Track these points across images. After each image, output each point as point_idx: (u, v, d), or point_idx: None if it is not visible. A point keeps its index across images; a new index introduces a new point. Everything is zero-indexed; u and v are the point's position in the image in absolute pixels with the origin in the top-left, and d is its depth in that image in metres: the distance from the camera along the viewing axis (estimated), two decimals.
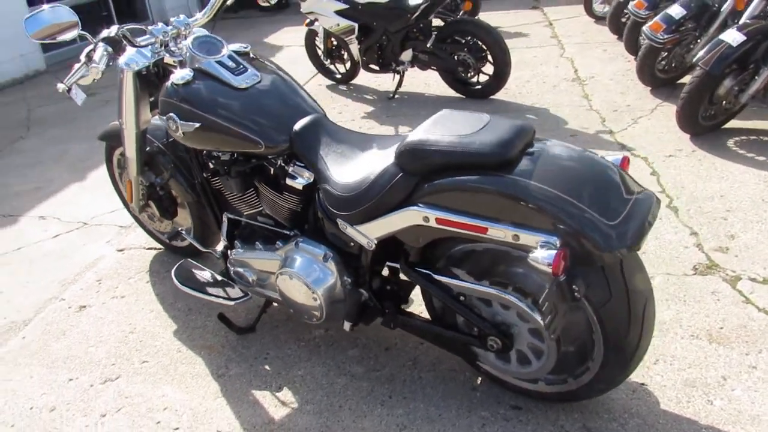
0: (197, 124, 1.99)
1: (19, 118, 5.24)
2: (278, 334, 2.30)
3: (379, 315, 1.98)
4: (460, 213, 1.60)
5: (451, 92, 4.75)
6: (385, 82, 5.14)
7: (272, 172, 2.10)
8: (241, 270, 2.20)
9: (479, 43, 4.38)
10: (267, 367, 2.15)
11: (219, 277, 2.26)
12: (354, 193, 1.78)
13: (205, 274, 2.28)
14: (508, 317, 1.74)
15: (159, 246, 2.91)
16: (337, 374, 2.09)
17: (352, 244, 1.90)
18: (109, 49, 2.08)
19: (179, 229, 2.64)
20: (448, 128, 1.68)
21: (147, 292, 2.63)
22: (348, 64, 5.17)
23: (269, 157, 2.06)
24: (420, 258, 1.84)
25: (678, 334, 2.12)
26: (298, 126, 1.97)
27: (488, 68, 4.48)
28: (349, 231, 1.85)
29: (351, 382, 2.05)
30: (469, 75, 4.57)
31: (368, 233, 1.81)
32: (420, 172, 1.66)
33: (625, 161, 1.68)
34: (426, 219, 1.66)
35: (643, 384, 1.93)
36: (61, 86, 2.06)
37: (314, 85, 5.39)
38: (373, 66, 4.85)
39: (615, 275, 1.56)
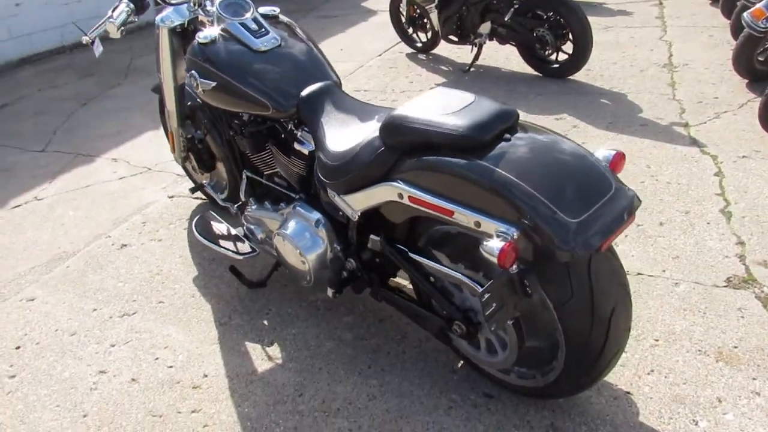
0: (214, 83, 2.08)
1: (120, 66, 5.65)
2: (285, 292, 2.38)
3: (367, 286, 2.01)
4: (430, 193, 1.58)
5: (528, 69, 4.57)
6: (465, 54, 5.03)
7: (283, 135, 2.16)
8: (252, 227, 2.30)
9: (561, 20, 4.17)
10: (265, 322, 2.25)
11: (233, 232, 2.37)
12: (340, 163, 1.80)
13: (221, 227, 2.40)
14: (475, 304, 1.71)
15: (204, 196, 3.08)
16: (326, 337, 2.15)
17: (340, 213, 1.92)
18: (131, 6, 2.21)
19: (203, 181, 2.78)
20: (432, 106, 1.64)
21: (182, 238, 2.81)
22: (429, 34, 5.11)
23: (281, 120, 2.12)
24: (405, 234, 1.84)
25: (684, 347, 1.98)
26: (305, 92, 2.01)
27: (568, 47, 4.27)
28: (337, 200, 1.88)
29: (337, 347, 2.10)
30: (547, 52, 4.38)
31: (352, 204, 1.83)
32: (400, 148, 1.65)
33: (618, 158, 1.57)
34: (400, 196, 1.65)
35: (628, 392, 1.84)
36: (84, 38, 2.21)
37: (395, 52, 5.38)
38: (452, 37, 4.76)
39: (579, 274, 1.49)
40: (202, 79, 2.10)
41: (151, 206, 3.12)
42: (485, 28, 4.51)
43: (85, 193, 3.35)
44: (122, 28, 2.21)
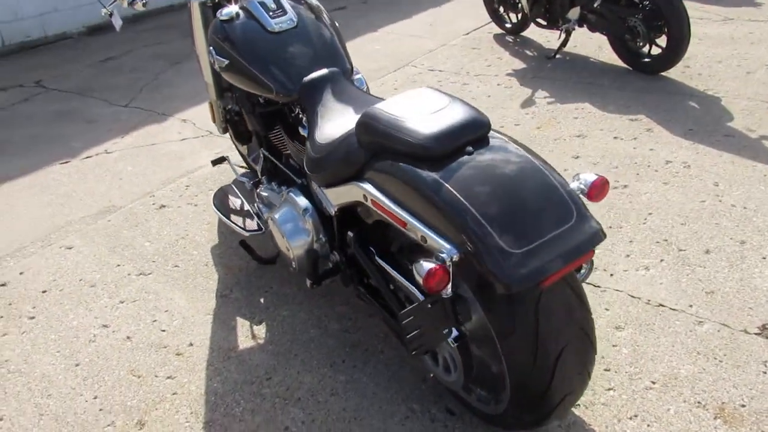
0: (227, 61, 2.10)
1: None
2: (291, 273, 2.41)
3: (350, 281, 1.98)
4: (391, 199, 1.51)
5: (618, 62, 4.23)
6: (555, 39, 4.74)
7: (291, 119, 2.15)
8: (261, 206, 2.34)
9: (656, 10, 3.80)
10: (262, 300, 2.29)
11: (246, 208, 2.42)
12: (321, 156, 1.77)
13: (236, 202, 2.46)
14: None
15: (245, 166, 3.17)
16: (313, 324, 2.16)
17: (323, 205, 1.90)
18: None
19: (225, 155, 2.84)
20: (406, 107, 1.56)
21: None
22: (519, 15, 4.86)
23: (287, 104, 2.11)
24: (378, 237, 1.79)
25: (682, 395, 1.79)
26: (308, 78, 1.98)
27: (664, 40, 3.89)
28: (318, 192, 1.86)
29: (320, 336, 2.10)
30: (639, 45, 4.02)
31: (330, 199, 1.80)
32: (371, 148, 1.59)
33: (599, 184, 1.42)
34: (365, 198, 1.60)
35: None
36: (103, 11, 2.30)
37: (482, 32, 5.18)
38: (540, 20, 4.50)
39: (525, 307, 1.37)
40: (217, 56, 2.13)
41: (198, 170, 3.25)
42: (574, 13, 4.20)
43: (148, 150, 3.55)
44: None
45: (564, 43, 4.43)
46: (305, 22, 2.12)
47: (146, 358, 2.06)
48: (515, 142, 1.49)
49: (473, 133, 1.45)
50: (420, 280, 1.30)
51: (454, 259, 1.32)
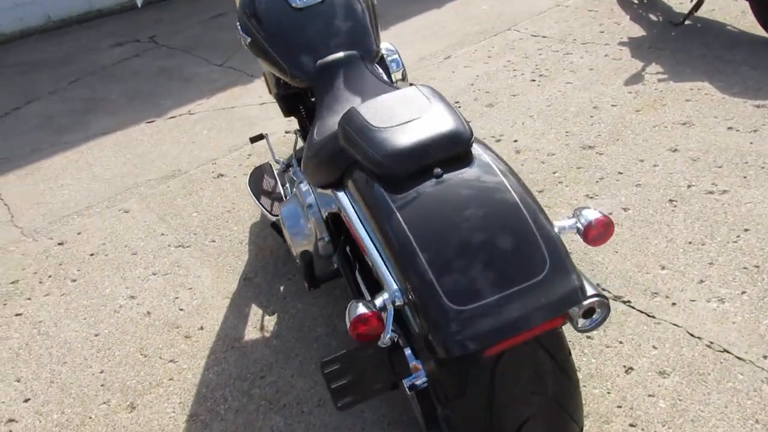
0: (249, 38, 1.98)
1: None
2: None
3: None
4: (358, 218, 1.33)
5: (761, 32, 3.55)
6: (689, 2, 4.08)
7: (309, 104, 2.00)
8: (286, 189, 2.24)
9: None
10: (282, 288, 2.22)
11: (279, 190, 2.33)
12: (310, 153, 1.61)
13: (270, 183, 2.38)
14: None
15: None
16: (323, 323, 2.05)
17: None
18: None
19: (264, 132, 2.74)
20: (386, 110, 1.35)
21: None
22: None
23: (306, 89, 1.96)
24: None
25: None
26: (322, 61, 1.81)
27: None
28: (314, 192, 1.71)
29: (326, 336, 2.00)
30: None
31: (319, 201, 1.65)
32: (349, 155, 1.41)
33: (601, 225, 1.14)
34: (339, 210, 1.43)
35: None
36: None
37: None
38: None
39: (478, 370, 1.14)
40: (242, 33, 2.02)
41: (263, 140, 3.21)
42: None
43: (227, 113, 3.57)
44: None
45: (697, 6, 3.79)
46: None
47: (157, 337, 2.08)
48: (498, 163, 1.23)
49: (444, 151, 1.21)
50: (346, 325, 1.13)
51: (396, 304, 1.13)
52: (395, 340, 1.19)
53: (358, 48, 1.85)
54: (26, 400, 1.90)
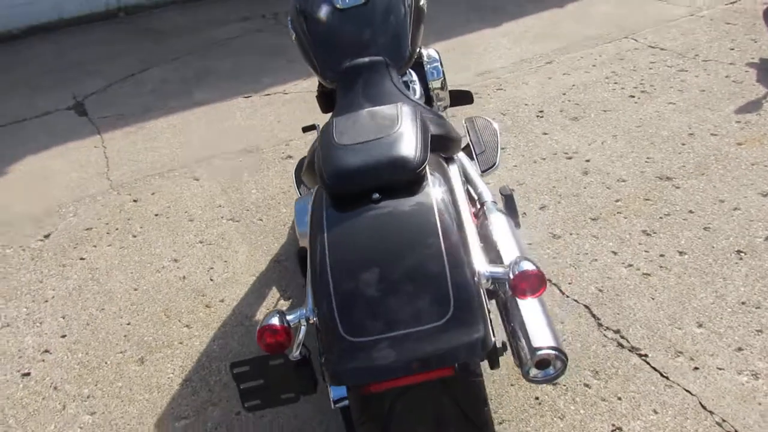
0: (294, 33, 2.03)
1: None
2: None
3: None
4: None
5: None
6: None
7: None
8: None
9: None
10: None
11: None
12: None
13: None
14: None
15: None
16: None
17: None
18: None
19: (316, 123, 2.76)
20: (358, 125, 1.34)
21: None
22: None
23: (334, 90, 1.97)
24: None
25: None
26: (347, 64, 1.82)
27: None
28: None
29: None
30: None
31: None
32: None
33: (531, 277, 1.07)
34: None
35: None
36: None
37: (758, 3, 4.11)
38: None
39: (378, 402, 1.12)
40: (290, 27, 2.07)
41: None
42: None
43: (282, 97, 3.69)
44: None
45: None
46: (376, 0, 1.92)
47: (183, 301, 2.24)
48: (445, 197, 1.18)
49: (387, 177, 1.19)
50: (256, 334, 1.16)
51: (310, 321, 1.14)
52: (306, 355, 1.20)
53: (387, 54, 1.83)
54: (63, 336, 2.15)
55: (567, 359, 1.27)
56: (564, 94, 3.35)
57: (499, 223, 1.60)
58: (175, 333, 2.11)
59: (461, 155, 1.98)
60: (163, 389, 1.91)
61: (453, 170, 1.45)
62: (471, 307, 1.04)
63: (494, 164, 2.21)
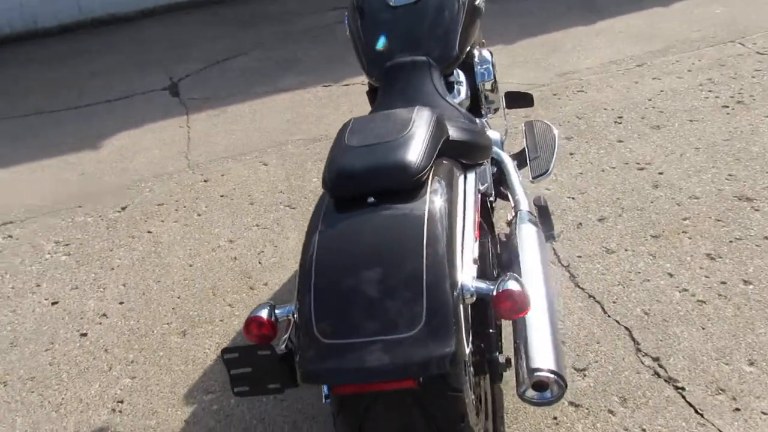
0: (348, 30, 2.05)
1: None
2: None
3: None
4: None
5: None
6: None
7: None
8: None
9: None
10: None
11: None
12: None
13: None
14: None
15: None
16: None
17: None
18: None
19: None
20: (372, 126, 1.33)
21: None
22: None
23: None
24: None
25: None
26: (390, 62, 1.81)
27: None
28: None
29: None
30: None
31: None
32: None
33: (513, 297, 1.03)
34: None
35: None
36: None
37: None
38: None
39: (351, 409, 1.12)
40: (346, 23, 2.09)
41: None
42: None
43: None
44: None
45: None
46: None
47: (230, 281, 2.34)
48: (440, 206, 1.15)
49: (383, 182, 1.17)
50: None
51: (295, 316, 1.16)
52: (292, 349, 1.22)
53: (432, 53, 1.80)
54: (120, 303, 2.31)
55: (566, 385, 1.22)
56: (649, 99, 3.15)
57: (526, 235, 1.55)
58: (218, 310, 2.21)
59: (507, 159, 1.92)
60: (198, 363, 2.02)
61: (469, 178, 1.41)
62: (444, 321, 1.02)
63: (546, 171, 2.13)
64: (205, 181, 3.02)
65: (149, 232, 2.70)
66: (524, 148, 2.26)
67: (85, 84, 4.38)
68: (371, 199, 1.17)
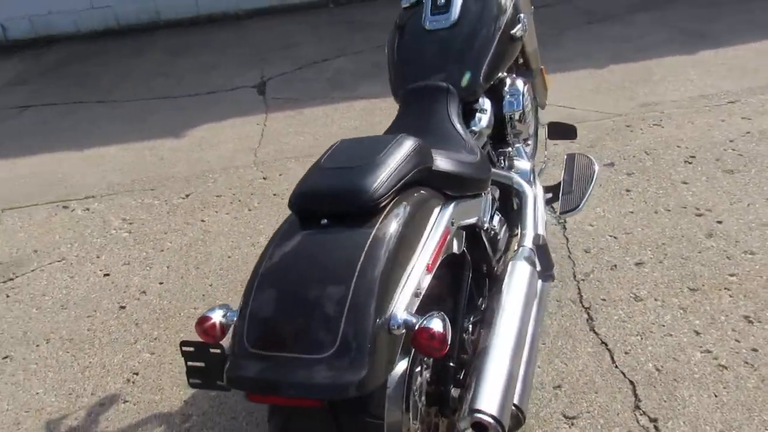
0: (387, 50, 2.09)
1: None
2: None
3: None
4: None
5: None
6: None
7: None
8: None
9: None
10: None
11: None
12: None
13: None
14: None
15: None
16: None
17: None
18: None
19: None
20: (350, 150, 1.36)
21: None
22: None
23: None
24: None
25: None
26: (411, 86, 1.83)
27: None
28: None
29: None
30: None
31: None
32: None
33: (432, 335, 1.04)
34: None
35: None
36: None
37: None
38: None
39: (278, 413, 1.16)
40: (387, 41, 2.13)
41: None
42: None
43: None
44: None
45: None
46: (464, 24, 1.88)
47: None
48: (385, 235, 1.16)
49: (336, 204, 1.20)
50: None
51: (232, 320, 1.22)
52: None
53: (454, 80, 1.79)
54: (161, 283, 2.50)
55: (503, 429, 1.20)
56: (731, 141, 2.92)
57: (516, 272, 1.52)
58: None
59: (528, 192, 1.87)
60: None
61: (447, 210, 1.40)
62: (358, 347, 1.03)
63: (575, 208, 2.07)
64: (264, 178, 3.18)
65: (202, 220, 2.88)
66: (560, 181, 2.19)
67: (183, 76, 4.72)
68: (324, 221, 1.20)
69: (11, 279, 2.62)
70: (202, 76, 4.67)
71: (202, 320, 1.23)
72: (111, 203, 3.12)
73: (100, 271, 2.61)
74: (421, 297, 1.20)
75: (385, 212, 1.21)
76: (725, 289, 2.08)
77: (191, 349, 1.29)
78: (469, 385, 1.29)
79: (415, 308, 1.16)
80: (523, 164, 2.04)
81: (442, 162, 1.44)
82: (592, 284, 2.18)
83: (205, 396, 1.94)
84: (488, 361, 1.31)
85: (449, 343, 1.07)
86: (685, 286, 2.12)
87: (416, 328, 1.07)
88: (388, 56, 2.00)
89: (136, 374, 2.07)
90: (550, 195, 2.17)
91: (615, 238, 2.40)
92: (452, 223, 1.39)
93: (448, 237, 1.36)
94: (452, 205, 1.43)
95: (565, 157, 2.28)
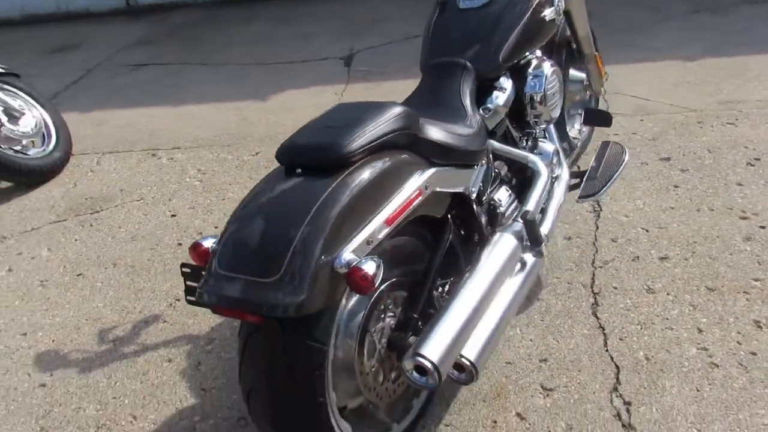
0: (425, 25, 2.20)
1: None
2: None
3: None
4: None
5: None
6: None
7: None
8: None
9: None
10: None
11: None
12: None
13: None
14: None
15: None
16: None
17: None
18: None
19: None
20: (343, 112, 1.51)
21: None
22: None
23: None
24: None
25: None
26: (432, 61, 1.94)
27: None
28: None
29: None
30: None
31: None
32: None
33: (363, 276, 1.19)
34: None
35: None
36: None
37: None
38: None
39: (244, 329, 1.35)
40: (427, 18, 2.23)
41: None
42: None
43: None
44: None
45: None
46: (495, 4, 1.96)
47: None
48: (354, 185, 1.30)
49: (310, 156, 1.36)
50: None
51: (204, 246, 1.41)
52: None
53: (473, 58, 1.88)
54: (215, 227, 2.78)
55: (441, 380, 1.32)
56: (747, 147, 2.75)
57: (499, 241, 1.62)
58: None
59: (543, 171, 1.93)
60: None
61: (425, 175, 1.50)
62: (300, 276, 1.18)
63: (593, 194, 2.10)
64: None
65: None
66: (589, 167, 2.22)
67: (280, 44, 5.04)
68: (299, 170, 1.37)
69: (97, 212, 3.02)
70: (298, 46, 4.95)
71: (196, 246, 1.43)
72: (191, 155, 3.47)
73: (169, 211, 2.95)
74: (373, 245, 1.33)
75: (354, 167, 1.35)
76: (744, 292, 2.02)
77: (188, 270, 1.52)
78: (426, 326, 1.42)
79: (365, 254, 1.30)
80: (546, 146, 2.09)
81: (430, 130, 1.56)
82: (608, 272, 2.19)
83: (229, 325, 2.19)
84: (444, 314, 1.43)
85: (376, 284, 1.21)
86: (703, 284, 2.08)
87: (351, 266, 1.21)
88: (423, 32, 2.11)
89: (178, 300, 2.36)
90: (577, 180, 2.20)
91: (646, 231, 2.37)
92: (426, 187, 1.50)
93: (419, 199, 1.47)
94: (432, 171, 1.54)
95: (601, 143, 2.29)
